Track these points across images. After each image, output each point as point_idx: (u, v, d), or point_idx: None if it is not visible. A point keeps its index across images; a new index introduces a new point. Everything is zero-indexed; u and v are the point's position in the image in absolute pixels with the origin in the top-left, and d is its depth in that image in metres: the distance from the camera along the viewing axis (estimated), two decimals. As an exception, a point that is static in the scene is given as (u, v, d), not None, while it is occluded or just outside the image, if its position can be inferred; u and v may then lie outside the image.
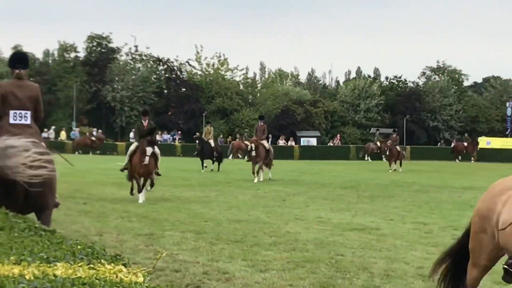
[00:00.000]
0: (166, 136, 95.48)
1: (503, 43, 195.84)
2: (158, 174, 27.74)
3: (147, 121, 28.41)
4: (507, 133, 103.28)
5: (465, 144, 78.95)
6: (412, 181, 41.03)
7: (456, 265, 9.47)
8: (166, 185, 32.75)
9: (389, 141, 58.78)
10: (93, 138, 79.32)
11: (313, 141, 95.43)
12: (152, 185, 27.36)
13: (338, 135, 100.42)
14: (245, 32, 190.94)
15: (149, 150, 26.12)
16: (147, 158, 26.01)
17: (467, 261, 9.10)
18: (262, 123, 42.63)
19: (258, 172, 39.56)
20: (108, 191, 29.50)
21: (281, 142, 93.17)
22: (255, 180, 38.24)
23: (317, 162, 71.21)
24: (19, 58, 13.40)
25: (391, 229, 19.56)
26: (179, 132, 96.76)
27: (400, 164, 55.46)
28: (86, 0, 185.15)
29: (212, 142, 51.36)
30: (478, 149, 77.08)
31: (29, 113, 12.42)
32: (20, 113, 12.29)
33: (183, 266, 13.35)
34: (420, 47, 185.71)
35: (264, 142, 40.96)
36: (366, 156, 78.29)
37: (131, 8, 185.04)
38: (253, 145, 40.26)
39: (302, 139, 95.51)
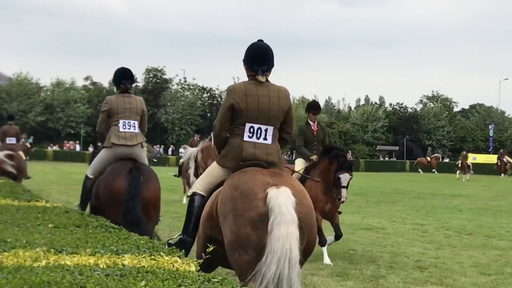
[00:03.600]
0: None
1: (486, 76, 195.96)
2: None
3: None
4: (489, 150, 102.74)
5: (428, 158, 77.76)
6: (411, 189, 40.81)
7: None
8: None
9: None
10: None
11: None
12: None
13: (350, 151, 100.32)
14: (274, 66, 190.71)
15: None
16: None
17: None
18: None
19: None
20: (162, 196, 29.47)
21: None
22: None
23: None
24: (10, 116, 27.39)
25: (394, 229, 19.49)
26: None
27: None
28: (144, 40, 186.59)
29: None
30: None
31: (14, 139, 24.53)
32: (11, 139, 24.39)
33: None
34: (418, 79, 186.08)
35: None
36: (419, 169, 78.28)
37: (181, 46, 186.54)
38: None
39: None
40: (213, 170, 7.71)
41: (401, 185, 46.75)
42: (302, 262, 6.51)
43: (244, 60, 7.84)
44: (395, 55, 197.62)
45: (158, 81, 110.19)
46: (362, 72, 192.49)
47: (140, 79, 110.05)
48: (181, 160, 25.88)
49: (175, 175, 26.76)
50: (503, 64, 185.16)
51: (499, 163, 67.87)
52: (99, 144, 15.07)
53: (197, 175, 22.91)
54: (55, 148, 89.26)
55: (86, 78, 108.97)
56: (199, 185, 7.67)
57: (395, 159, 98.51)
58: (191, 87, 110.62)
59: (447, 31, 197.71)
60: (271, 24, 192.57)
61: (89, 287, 3.32)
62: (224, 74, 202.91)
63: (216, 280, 3.69)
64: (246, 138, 7.38)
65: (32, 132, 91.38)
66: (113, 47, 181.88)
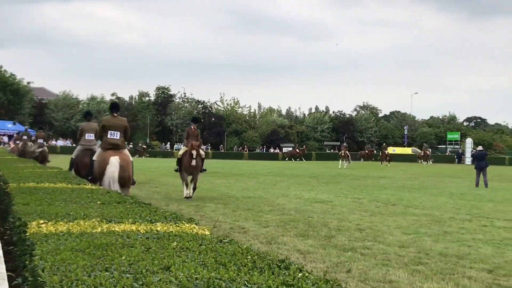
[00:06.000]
0: (203, 147, 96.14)
1: (402, 91, 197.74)
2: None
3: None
4: (404, 144, 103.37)
5: (367, 151, 76.00)
6: (349, 173, 40.96)
7: None
8: (204, 176, 32.68)
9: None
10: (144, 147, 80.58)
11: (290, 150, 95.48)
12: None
13: (304, 145, 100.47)
14: (249, 84, 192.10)
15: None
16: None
17: None
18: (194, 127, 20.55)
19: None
20: (170, 180, 29.41)
21: (271, 150, 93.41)
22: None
23: (292, 162, 71.10)
24: (40, 127, 26.24)
25: (339, 201, 19.54)
26: (209, 144, 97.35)
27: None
28: (156, 66, 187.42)
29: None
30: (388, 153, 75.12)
31: (42, 140, 26.23)
32: (40, 140, 22.94)
33: (217, 224, 13.34)
34: (353, 93, 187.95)
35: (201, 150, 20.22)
36: (288, 158, 78.15)
37: (182, 70, 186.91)
38: (194, 152, 19.34)
39: (283, 148, 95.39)
40: (98, 150, 13.73)
41: (342, 170, 46.89)
42: (125, 182, 12.79)
43: (108, 108, 14.46)
44: (337, 76, 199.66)
45: (165, 96, 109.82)
46: (313, 88, 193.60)
47: (152, 94, 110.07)
48: (180, 152, 20.47)
49: (176, 170, 20.40)
50: (413, 82, 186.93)
51: (381, 154, 65.90)
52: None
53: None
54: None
55: (113, 94, 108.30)
56: (95, 157, 13.64)
57: (337, 151, 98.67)
58: (189, 100, 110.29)
59: (374, 59, 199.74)
60: (249, 54, 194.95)
61: (137, 247, 3.26)
62: (214, 90, 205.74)
63: (226, 241, 3.67)
64: (108, 136, 13.12)
65: (73, 135, 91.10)
66: (132, 71, 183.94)
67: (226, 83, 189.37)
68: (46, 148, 30.77)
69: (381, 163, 62.52)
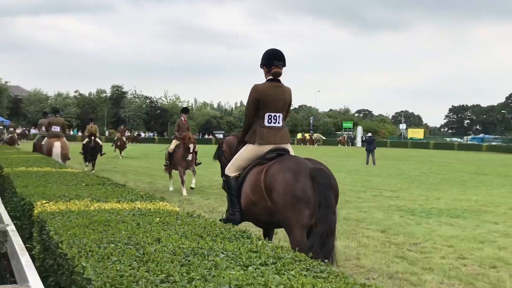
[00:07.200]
0: (150, 134, 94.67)
1: (308, 89, 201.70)
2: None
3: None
4: (311, 132, 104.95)
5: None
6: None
7: None
8: (154, 157, 32.25)
9: (118, 133, 35.82)
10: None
11: (221, 136, 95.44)
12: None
13: (233, 133, 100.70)
14: (187, 83, 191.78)
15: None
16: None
17: None
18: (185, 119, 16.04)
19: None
20: (126, 161, 28.94)
21: (206, 136, 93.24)
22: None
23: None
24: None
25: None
26: (156, 132, 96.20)
27: (121, 152, 33.40)
28: (110, 68, 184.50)
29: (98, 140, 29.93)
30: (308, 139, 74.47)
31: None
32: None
33: (169, 198, 13.28)
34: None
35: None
36: None
37: (133, 71, 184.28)
38: (192, 145, 14.80)
39: (216, 135, 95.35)
40: (45, 139, 16.65)
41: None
42: (65, 156, 15.73)
43: (51, 111, 18.31)
44: (257, 77, 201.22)
45: (119, 92, 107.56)
46: (238, 86, 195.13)
47: (108, 91, 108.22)
48: (171, 147, 15.83)
49: (165, 165, 16.54)
50: (317, 82, 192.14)
51: (307, 139, 65.46)
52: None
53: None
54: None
55: (76, 91, 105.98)
56: (43, 142, 16.95)
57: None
58: (139, 96, 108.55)
59: (286, 63, 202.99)
60: (187, 59, 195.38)
61: (129, 222, 3.25)
62: (159, 88, 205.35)
63: (195, 215, 3.68)
64: (52, 130, 16.28)
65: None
66: (91, 73, 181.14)
67: (169, 82, 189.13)
68: (15, 134, 35.59)
69: (309, 145, 62.99)
